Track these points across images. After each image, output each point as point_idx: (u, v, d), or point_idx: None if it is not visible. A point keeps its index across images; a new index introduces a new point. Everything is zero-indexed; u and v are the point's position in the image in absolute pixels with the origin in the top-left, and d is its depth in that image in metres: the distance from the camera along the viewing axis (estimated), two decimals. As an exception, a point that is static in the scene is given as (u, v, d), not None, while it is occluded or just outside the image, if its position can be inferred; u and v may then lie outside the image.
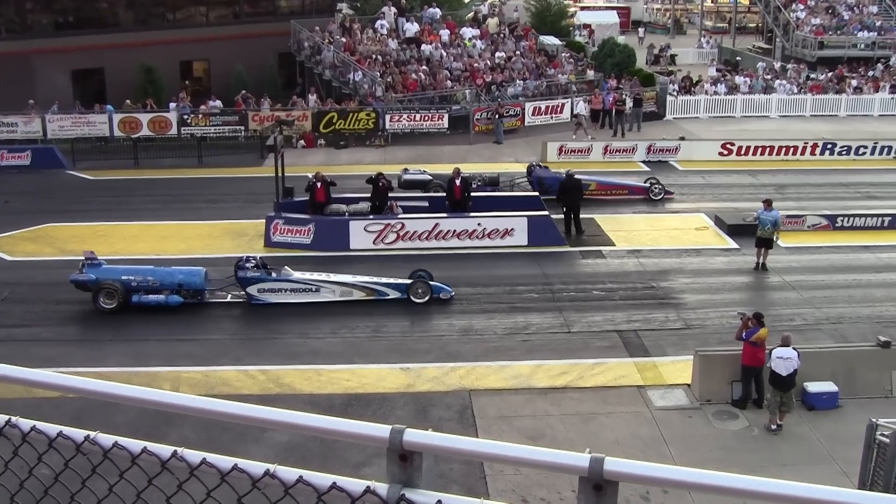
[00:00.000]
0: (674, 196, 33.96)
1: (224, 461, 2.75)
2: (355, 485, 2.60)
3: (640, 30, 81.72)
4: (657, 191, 33.65)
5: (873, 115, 49.84)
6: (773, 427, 18.15)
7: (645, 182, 34.13)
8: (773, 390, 18.23)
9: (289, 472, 2.66)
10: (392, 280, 24.26)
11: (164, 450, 2.83)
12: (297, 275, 24.13)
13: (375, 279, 24.30)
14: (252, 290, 23.74)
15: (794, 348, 18.33)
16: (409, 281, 24.09)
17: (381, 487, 2.59)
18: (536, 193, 31.26)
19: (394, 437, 2.57)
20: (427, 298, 23.94)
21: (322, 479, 2.63)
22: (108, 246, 27.96)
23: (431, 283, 24.12)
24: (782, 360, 18.08)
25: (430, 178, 32.32)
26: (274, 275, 23.89)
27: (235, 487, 2.78)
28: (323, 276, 24.28)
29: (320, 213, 28.58)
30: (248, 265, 23.73)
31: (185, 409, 2.90)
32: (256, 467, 2.70)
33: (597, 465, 2.50)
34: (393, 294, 24.02)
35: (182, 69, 49.18)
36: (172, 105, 41.76)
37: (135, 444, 2.86)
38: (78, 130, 40.24)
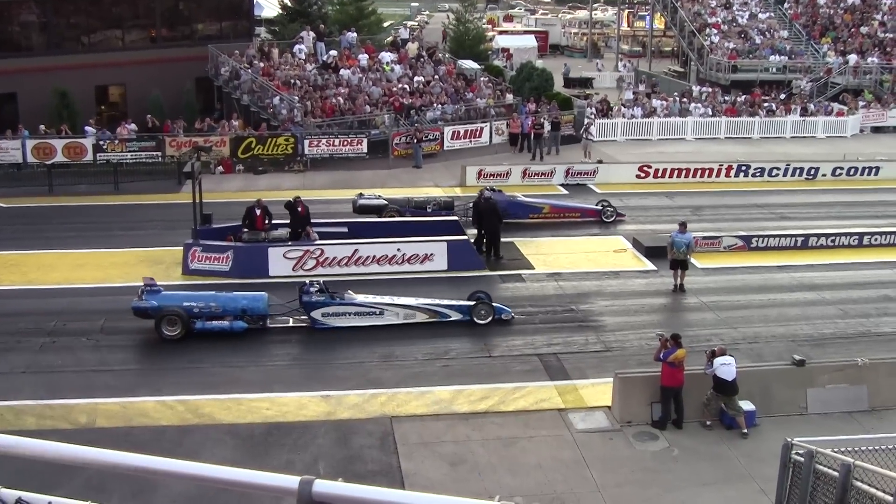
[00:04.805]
0: (626, 218, 34.28)
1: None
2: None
3: (599, 62, 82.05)
4: (609, 213, 33.98)
5: (785, 137, 50.91)
6: (708, 423, 19.10)
7: (597, 205, 34.43)
8: (717, 395, 18.93)
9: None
10: (455, 302, 24.42)
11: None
12: (361, 298, 24.06)
13: (438, 301, 24.42)
14: (316, 314, 23.59)
15: (730, 355, 19.22)
16: (471, 303, 24.21)
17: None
18: (456, 218, 31.28)
19: (303, 488, 2.53)
20: (490, 319, 24.11)
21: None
22: (21, 275, 27.45)
23: (493, 304, 24.26)
24: (726, 366, 18.85)
25: (385, 202, 32.38)
26: (338, 298, 23.78)
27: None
28: (387, 299, 24.24)
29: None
30: (311, 289, 23.60)
31: (79, 461, 2.83)
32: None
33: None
34: (455, 316, 24.16)
35: (98, 94, 48.47)
36: (88, 129, 41.13)
37: (9, 495, 2.78)
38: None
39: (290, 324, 24.05)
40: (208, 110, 48.01)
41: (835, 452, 12.17)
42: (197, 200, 28.07)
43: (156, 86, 45.97)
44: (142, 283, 23.63)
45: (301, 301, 23.69)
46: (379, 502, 2.63)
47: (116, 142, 40.75)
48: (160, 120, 42.99)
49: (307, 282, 24.13)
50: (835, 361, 20.77)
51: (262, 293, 23.98)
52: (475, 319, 24.10)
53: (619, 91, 62.22)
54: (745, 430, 18.75)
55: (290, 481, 2.59)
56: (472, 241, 29.71)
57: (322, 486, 2.56)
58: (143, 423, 18.93)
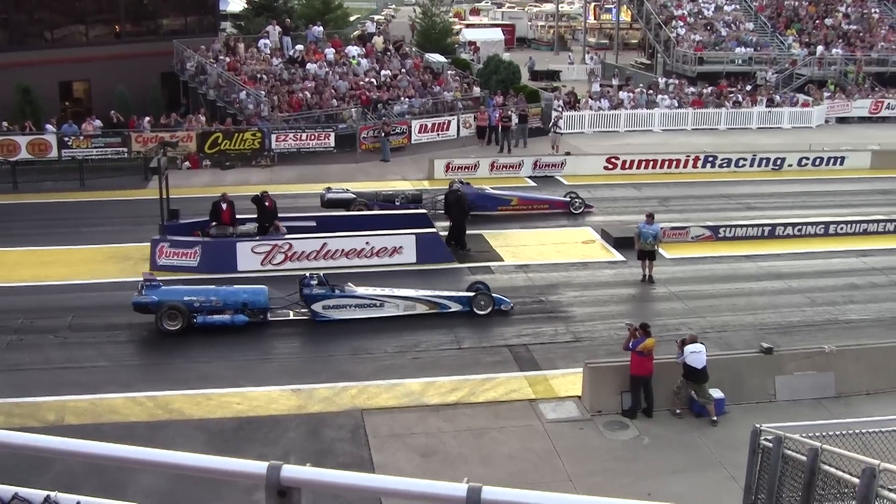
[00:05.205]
0: (594, 209, 34.34)
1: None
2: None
3: (570, 55, 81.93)
4: (577, 204, 34.01)
5: (752, 128, 51.15)
6: (678, 411, 19.25)
7: (565, 196, 34.49)
8: (687, 383, 19.12)
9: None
10: (455, 293, 24.51)
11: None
12: (361, 290, 24.05)
13: (437, 293, 24.49)
14: (317, 307, 23.57)
15: (701, 343, 19.36)
16: (471, 294, 24.29)
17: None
18: (424, 211, 31.28)
19: (271, 473, 2.52)
20: (489, 310, 24.17)
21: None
22: (-14, 273, 27.21)
23: (493, 295, 24.34)
24: (696, 353, 19.01)
25: (353, 196, 32.31)
26: (338, 291, 23.74)
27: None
28: (387, 291, 24.27)
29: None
30: (312, 282, 23.54)
31: (47, 451, 2.82)
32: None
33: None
34: (455, 307, 24.22)
35: (62, 90, 48.06)
36: (48, 127, 40.72)
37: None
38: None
39: (291, 317, 24.06)
40: (174, 105, 47.70)
41: (803, 437, 12.28)
42: (164, 196, 27.92)
43: (121, 81, 45.59)
44: (140, 279, 23.63)
45: (302, 294, 23.65)
46: (344, 485, 2.64)
47: (81, 138, 40.41)
48: (125, 116, 42.71)
49: (307, 274, 24.10)
50: (802, 349, 20.95)
51: (263, 286, 23.93)
52: (475, 310, 24.17)
53: (589, 84, 62.36)
54: (715, 418, 18.89)
55: (259, 467, 2.59)
56: (447, 233, 29.74)
57: (290, 471, 2.56)
58: (113, 419, 18.82)
